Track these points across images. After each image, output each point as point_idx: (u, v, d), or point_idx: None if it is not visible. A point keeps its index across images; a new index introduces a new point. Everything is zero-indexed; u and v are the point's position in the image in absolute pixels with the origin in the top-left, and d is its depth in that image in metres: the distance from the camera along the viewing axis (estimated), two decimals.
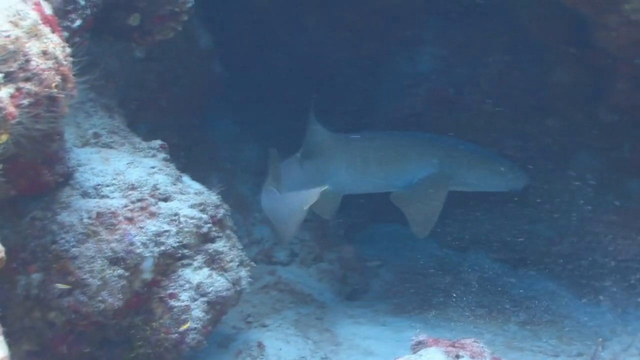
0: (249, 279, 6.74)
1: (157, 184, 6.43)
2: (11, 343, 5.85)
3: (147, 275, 6.08)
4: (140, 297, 6.11)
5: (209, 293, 6.30)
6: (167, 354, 6.20)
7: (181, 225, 6.28)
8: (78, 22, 6.65)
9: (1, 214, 5.81)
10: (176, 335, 6.15)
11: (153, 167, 6.61)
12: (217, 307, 6.40)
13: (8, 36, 4.77)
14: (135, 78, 8.40)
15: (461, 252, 10.53)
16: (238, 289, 6.57)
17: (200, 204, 6.54)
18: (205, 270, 6.37)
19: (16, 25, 4.87)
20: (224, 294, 6.39)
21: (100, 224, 5.97)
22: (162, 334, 6.14)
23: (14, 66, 4.79)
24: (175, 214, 6.29)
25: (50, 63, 5.01)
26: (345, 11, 11.11)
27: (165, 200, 6.40)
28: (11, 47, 4.77)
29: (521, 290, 9.61)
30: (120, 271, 5.92)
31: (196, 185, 6.82)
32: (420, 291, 9.44)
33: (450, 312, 8.86)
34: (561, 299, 9.41)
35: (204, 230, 6.44)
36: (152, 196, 6.31)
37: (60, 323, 5.87)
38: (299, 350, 7.29)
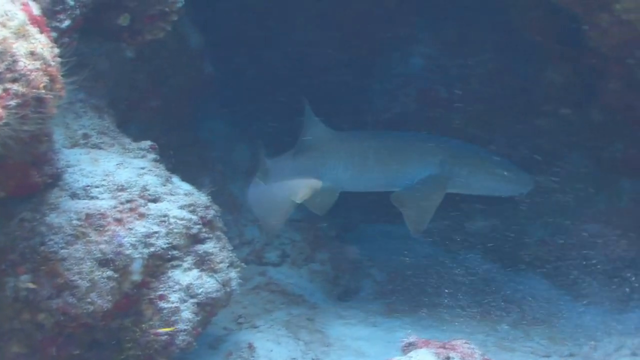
0: (239, 280, 6.71)
1: (147, 185, 6.40)
2: (0, 345, 5.89)
3: (137, 277, 6.05)
4: (130, 298, 6.09)
5: (199, 294, 6.27)
6: (156, 355, 6.17)
7: (171, 227, 6.26)
8: (67, 23, 6.63)
9: None
10: (166, 336, 6.12)
11: (142, 168, 6.59)
12: (207, 308, 6.37)
13: None
14: (125, 78, 8.35)
15: (453, 251, 10.52)
16: (228, 290, 6.55)
17: (190, 205, 6.51)
18: (195, 272, 6.35)
19: (3, 25, 4.86)
20: (213, 295, 6.36)
21: (89, 226, 5.94)
22: (152, 336, 6.11)
23: (1, 67, 4.78)
24: (165, 215, 6.27)
25: (38, 64, 4.98)
26: (335, 11, 11.10)
27: (155, 201, 6.37)
28: None
29: (513, 290, 9.61)
30: (110, 273, 5.89)
31: (186, 186, 6.79)
32: (412, 291, 9.43)
33: (442, 313, 8.85)
34: (553, 299, 9.42)
35: (194, 231, 6.41)
36: (141, 197, 6.29)
37: (50, 325, 5.84)
38: (290, 352, 7.28)
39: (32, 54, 4.96)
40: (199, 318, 6.29)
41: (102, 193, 6.18)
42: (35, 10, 5.31)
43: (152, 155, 7.08)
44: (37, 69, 4.97)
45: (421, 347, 5.63)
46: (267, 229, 9.44)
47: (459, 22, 11.08)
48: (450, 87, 10.85)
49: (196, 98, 9.95)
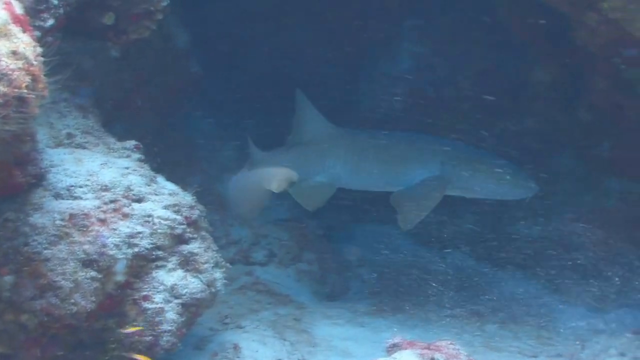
0: (224, 281, 6.66)
1: (131, 185, 6.35)
2: None
3: (120, 277, 6.00)
4: (114, 299, 6.04)
5: (183, 295, 6.23)
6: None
7: (155, 227, 6.20)
8: (50, 22, 6.60)
9: None
10: (150, 337, 6.08)
11: (127, 168, 6.54)
12: (192, 309, 6.33)
13: None
14: (110, 77, 8.33)
15: (441, 251, 10.52)
16: (213, 290, 6.50)
17: (175, 205, 6.46)
18: (180, 272, 6.30)
19: None
20: (198, 295, 6.32)
21: (73, 226, 5.90)
22: (136, 337, 6.07)
23: None
24: (149, 215, 6.22)
25: (20, 63, 4.94)
26: (324, 10, 11.09)
27: (139, 201, 6.32)
28: None
29: (501, 290, 9.62)
30: (93, 273, 5.85)
31: (170, 186, 6.74)
32: (400, 291, 9.42)
33: (430, 313, 8.85)
34: (541, 299, 9.43)
35: (178, 231, 6.36)
36: (125, 197, 6.24)
37: (33, 326, 5.79)
38: (276, 352, 7.25)
39: (14, 53, 4.93)
40: (183, 319, 6.25)
41: (86, 193, 6.13)
42: (18, 9, 5.27)
43: (136, 155, 7.04)
44: (19, 68, 4.93)
45: (406, 348, 5.61)
46: (242, 217, 9.41)
47: (448, 22, 11.07)
48: (438, 87, 10.85)
49: (183, 97, 9.93)
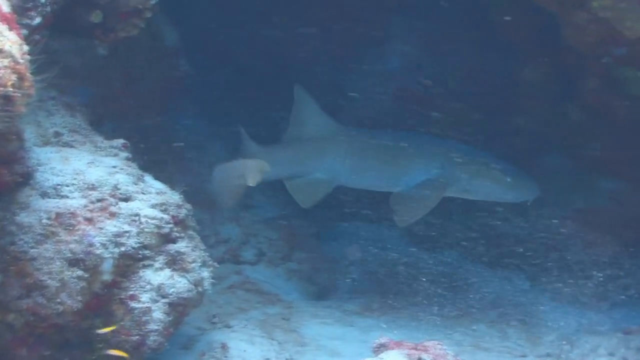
0: (212, 280, 6.63)
1: (118, 184, 6.32)
2: None
3: (107, 277, 5.98)
4: (100, 298, 6.02)
5: (170, 294, 6.20)
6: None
7: (142, 226, 6.18)
8: (38, 20, 6.57)
9: None
10: (137, 337, 6.07)
11: (114, 167, 6.52)
12: (179, 308, 6.30)
13: None
14: (98, 76, 8.31)
15: (431, 250, 10.50)
16: (200, 290, 6.48)
17: (162, 204, 6.43)
18: (167, 272, 6.27)
19: None
20: (185, 295, 6.29)
21: (59, 225, 5.88)
22: (123, 336, 6.06)
23: None
24: (136, 214, 6.20)
25: (6, 61, 4.93)
26: (312, 8, 11.07)
27: (126, 200, 6.29)
28: None
29: (491, 289, 9.61)
30: (80, 272, 5.83)
31: (158, 185, 6.71)
32: (390, 290, 9.40)
33: (420, 312, 8.83)
34: (531, 298, 9.42)
35: (165, 230, 6.33)
36: (112, 196, 6.21)
37: (19, 325, 5.78)
38: (264, 352, 7.23)
39: (0, 51, 4.91)
40: (170, 318, 6.22)
41: (73, 192, 6.11)
42: (5, 7, 5.27)
43: (124, 154, 7.02)
44: (5, 66, 4.92)
45: (393, 349, 5.61)
46: (221, 205, 9.41)
47: (437, 20, 11.06)
48: (428, 85, 10.83)
49: (171, 96, 9.90)
